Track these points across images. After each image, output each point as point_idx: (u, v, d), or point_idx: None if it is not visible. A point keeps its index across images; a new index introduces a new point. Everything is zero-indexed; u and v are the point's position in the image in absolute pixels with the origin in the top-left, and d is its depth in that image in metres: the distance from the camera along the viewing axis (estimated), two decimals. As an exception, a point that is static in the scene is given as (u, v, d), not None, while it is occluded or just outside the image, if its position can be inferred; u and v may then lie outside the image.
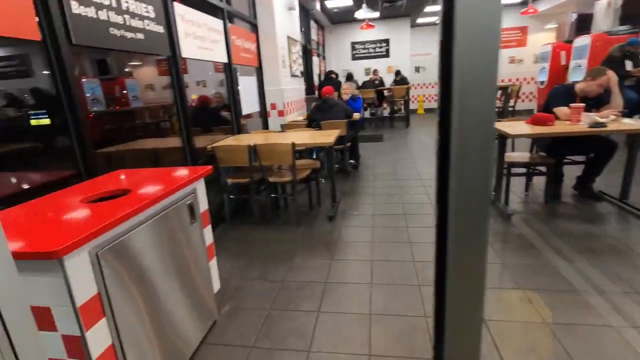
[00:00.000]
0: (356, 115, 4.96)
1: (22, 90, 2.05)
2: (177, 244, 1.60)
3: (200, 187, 1.82)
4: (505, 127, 3.00)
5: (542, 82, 8.45)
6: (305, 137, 3.53)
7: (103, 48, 1.97)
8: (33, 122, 2.00)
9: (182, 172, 1.86)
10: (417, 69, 12.25)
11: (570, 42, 7.56)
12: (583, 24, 7.77)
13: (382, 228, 3.03)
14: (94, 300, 1.14)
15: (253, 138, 3.57)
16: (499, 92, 6.32)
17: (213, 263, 1.94)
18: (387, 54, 10.42)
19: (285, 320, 1.93)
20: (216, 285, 1.97)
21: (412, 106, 12.37)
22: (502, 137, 3.07)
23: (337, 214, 3.39)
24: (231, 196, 3.33)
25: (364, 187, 4.24)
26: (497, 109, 5.50)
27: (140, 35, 2.31)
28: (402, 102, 9.09)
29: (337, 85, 8.73)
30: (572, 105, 2.89)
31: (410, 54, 11.66)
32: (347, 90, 5.49)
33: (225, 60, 3.64)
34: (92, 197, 1.49)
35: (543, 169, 3.32)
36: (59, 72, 1.74)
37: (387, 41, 10.33)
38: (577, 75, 7.03)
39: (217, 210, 3.38)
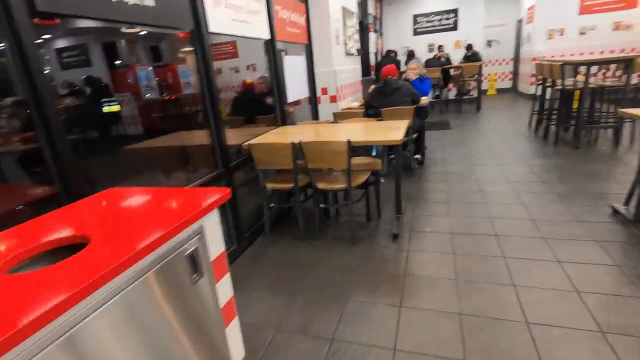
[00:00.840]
0: (424, 100, 4.07)
1: None
2: (168, 318, 1.01)
3: (211, 222, 1.21)
4: (668, 118, 2.00)
5: (662, 52, 6.66)
6: (364, 131, 2.80)
7: (86, 16, 1.40)
8: None
9: (188, 196, 1.27)
10: (489, 43, 10.66)
11: None
12: None
13: (466, 257, 2.23)
14: None
15: (299, 132, 2.92)
16: (615, 66, 4.95)
17: (234, 326, 1.35)
18: (454, 27, 9.08)
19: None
20: (238, 354, 1.38)
21: (482, 86, 10.89)
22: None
23: (403, 230, 2.65)
24: (271, 205, 2.75)
25: (434, 190, 3.41)
26: (612, 88, 4.24)
27: (149, 2, 1.73)
28: (474, 81, 7.83)
29: (397, 65, 7.75)
30: None
31: (484, 25, 10.13)
32: (415, 70, 4.58)
33: (266, 36, 2.99)
34: (25, 254, 0.94)
35: None
36: (17, 49, 1.21)
37: (455, 11, 8.98)
38: None
39: (256, 219, 2.82)
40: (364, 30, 6.85)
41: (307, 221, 2.79)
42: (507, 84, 10.84)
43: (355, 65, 5.11)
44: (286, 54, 3.42)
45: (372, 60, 8.12)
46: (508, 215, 2.73)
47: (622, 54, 7.59)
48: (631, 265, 1.97)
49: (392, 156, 4.31)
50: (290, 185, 2.56)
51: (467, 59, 8.27)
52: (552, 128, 4.85)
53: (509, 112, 7.30)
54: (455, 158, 4.40)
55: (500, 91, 10.77)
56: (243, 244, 2.56)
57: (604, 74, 5.15)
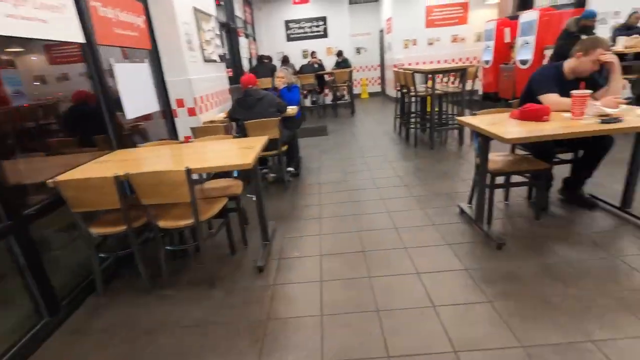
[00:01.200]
0: (292, 110, 3.92)
1: None
2: None
3: None
4: (490, 126, 2.19)
5: (486, 62, 8.05)
6: (216, 154, 2.43)
7: None
8: None
9: None
10: (358, 50, 11.45)
11: (514, 18, 7.17)
12: (525, -2, 7.41)
13: (334, 283, 2.08)
14: None
15: (136, 158, 2.38)
16: (453, 74, 5.66)
17: None
18: (325, 34, 9.39)
19: None
20: None
21: (355, 90, 11.61)
22: (486, 139, 2.26)
23: (271, 259, 2.38)
24: (102, 255, 2.15)
25: (307, 205, 3.26)
26: (453, 93, 4.80)
27: None
28: (346, 87, 8.20)
29: (272, 71, 7.55)
30: (574, 92, 2.15)
31: (350, 33, 10.78)
32: (282, 78, 4.40)
33: (78, 38, 2.35)
34: None
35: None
36: None
37: (324, 19, 9.29)
38: (525, 53, 6.64)
39: (84, 276, 2.19)
40: (232, 33, 6.44)
41: (153, 267, 2.28)
42: (377, 88, 11.81)
43: (219, 72, 4.68)
44: (115, 60, 2.80)
45: (247, 66, 7.77)
46: (375, 225, 2.72)
47: (459, 64, 8.94)
48: (477, 267, 2.08)
49: (265, 170, 4.05)
50: (122, 227, 2.03)
51: (338, 65, 8.62)
52: (412, 130, 5.29)
53: (379, 115, 7.84)
54: (330, 165, 4.38)
55: (371, 95, 11.68)
56: (59, 316, 1.92)
57: (446, 81, 5.87)
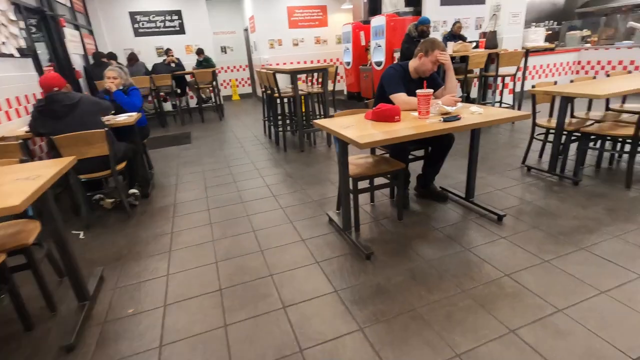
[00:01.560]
0: (128, 118, 3.16)
1: None
2: None
3: None
4: (346, 129, 2.02)
5: (348, 63, 8.47)
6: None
7: None
8: None
9: None
10: (224, 49, 10.78)
11: (367, 22, 7.67)
12: (374, 4, 8.01)
13: (180, 345, 1.59)
14: None
15: None
16: (316, 74, 5.63)
17: None
18: (182, 30, 8.43)
19: None
20: None
21: (225, 92, 10.92)
22: (344, 143, 2.09)
23: (90, 326, 1.73)
24: None
25: (155, 236, 2.63)
26: (317, 94, 4.72)
27: None
28: (210, 88, 7.51)
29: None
30: (419, 91, 2.14)
31: (213, 31, 10.03)
32: (115, 79, 3.52)
33: None
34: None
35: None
36: None
37: (178, 13, 8.31)
38: (378, 55, 7.15)
39: None
40: (45, 22, 5.05)
41: None
42: (248, 89, 11.36)
43: (20, 71, 3.52)
44: None
45: (79, 64, 6.32)
46: (239, 251, 2.31)
47: (325, 64, 9.20)
48: (347, 286, 1.88)
49: (99, 196, 3.21)
50: None
51: (200, 64, 7.84)
52: (283, 133, 5.05)
53: (249, 118, 7.43)
54: (191, 180, 3.77)
55: (243, 96, 11.17)
56: None
57: (311, 81, 5.84)
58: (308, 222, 2.64)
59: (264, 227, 2.61)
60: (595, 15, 9.34)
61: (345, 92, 9.15)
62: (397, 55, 6.28)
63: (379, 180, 2.63)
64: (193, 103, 8.38)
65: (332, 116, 2.51)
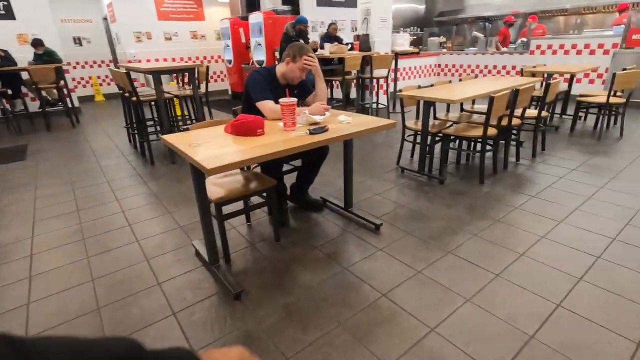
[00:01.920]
0: None
1: None
2: None
3: None
4: (196, 148, 1.65)
5: (229, 61, 7.94)
6: None
7: None
8: None
9: None
10: (78, 41, 9.03)
11: (245, 18, 7.26)
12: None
13: None
14: None
15: None
16: (183, 75, 5.01)
17: None
18: (10, 15, 6.66)
19: None
20: None
21: (85, 92, 9.18)
22: (198, 171, 1.72)
23: None
24: None
25: None
26: (188, 96, 4.16)
27: None
28: (55, 88, 6.12)
29: None
30: (282, 100, 1.90)
31: (60, 18, 8.31)
32: None
33: None
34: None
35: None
36: None
37: (2, -7, 6.53)
38: (259, 54, 6.83)
39: None
40: None
41: None
42: (115, 88, 9.78)
43: None
44: None
45: None
46: (63, 314, 1.73)
47: (205, 62, 8.47)
48: (209, 343, 1.53)
49: None
50: None
51: (40, 58, 6.32)
52: (147, 143, 4.33)
53: (112, 123, 6.30)
54: (13, 214, 2.86)
55: (109, 97, 9.55)
56: None
57: (182, 81, 5.19)
58: (170, 257, 2.19)
59: (107, 272, 2.06)
60: (448, 24, 10.77)
61: (230, 92, 8.60)
62: (277, 54, 6.07)
63: (255, 199, 2.34)
64: (35, 106, 6.74)
65: (187, 129, 2.10)
